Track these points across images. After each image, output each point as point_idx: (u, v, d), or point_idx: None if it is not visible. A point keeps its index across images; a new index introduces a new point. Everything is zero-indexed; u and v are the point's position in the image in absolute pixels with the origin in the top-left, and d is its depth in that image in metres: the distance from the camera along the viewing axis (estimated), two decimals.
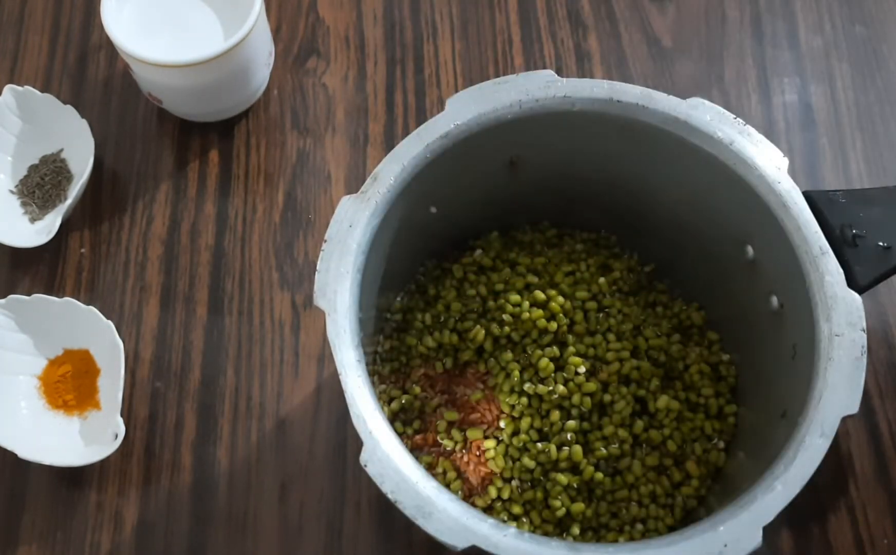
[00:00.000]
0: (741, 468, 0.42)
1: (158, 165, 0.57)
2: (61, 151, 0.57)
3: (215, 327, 0.52)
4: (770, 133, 0.57)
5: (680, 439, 0.43)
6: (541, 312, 0.44)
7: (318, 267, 0.38)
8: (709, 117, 0.41)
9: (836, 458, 0.48)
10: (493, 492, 0.42)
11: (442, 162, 0.41)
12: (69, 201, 0.53)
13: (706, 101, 0.42)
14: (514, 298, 0.44)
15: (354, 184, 0.56)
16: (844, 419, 0.35)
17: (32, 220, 0.55)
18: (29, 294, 0.50)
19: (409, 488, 0.34)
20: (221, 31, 0.54)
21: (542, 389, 0.43)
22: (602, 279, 0.46)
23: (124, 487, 0.48)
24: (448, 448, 0.43)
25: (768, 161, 0.40)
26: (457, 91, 0.42)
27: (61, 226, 0.53)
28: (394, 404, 0.44)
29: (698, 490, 0.43)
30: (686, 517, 0.43)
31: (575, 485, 0.42)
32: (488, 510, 0.42)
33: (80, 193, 0.54)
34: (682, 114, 0.41)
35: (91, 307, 0.49)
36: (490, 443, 0.43)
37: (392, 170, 0.40)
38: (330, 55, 0.60)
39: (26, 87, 0.56)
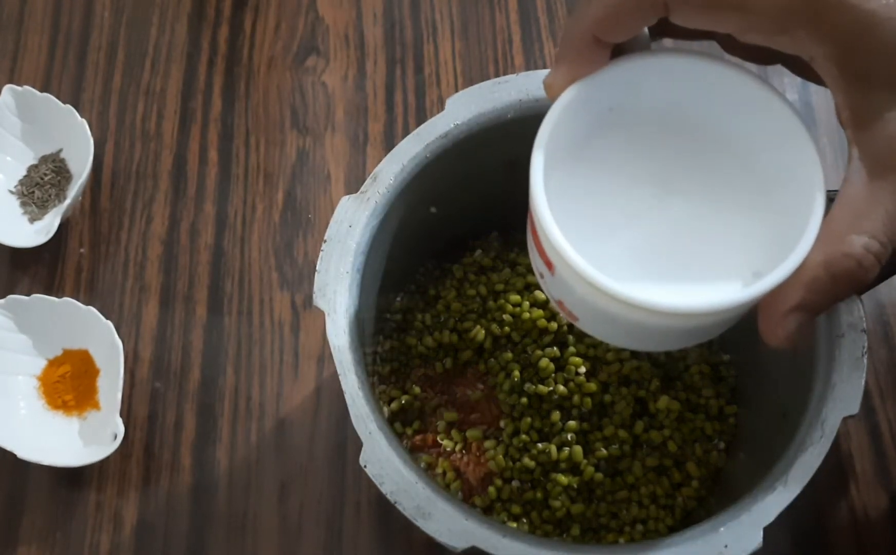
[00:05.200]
0: (741, 469, 0.42)
1: (157, 165, 0.57)
2: (60, 151, 0.57)
3: (215, 327, 0.52)
4: None
5: (680, 439, 0.43)
6: (541, 312, 0.44)
7: (317, 267, 0.38)
8: None
9: (836, 458, 0.48)
10: (492, 492, 0.42)
11: (442, 162, 0.41)
12: (68, 201, 0.53)
13: None
14: (514, 298, 0.44)
15: (354, 184, 0.56)
16: (845, 420, 0.35)
17: (31, 220, 0.55)
18: (28, 294, 0.50)
19: (409, 489, 0.34)
20: (742, 261, 0.29)
21: (542, 389, 0.43)
22: None
23: (124, 487, 0.48)
24: (448, 449, 0.43)
25: None
26: (457, 91, 0.42)
27: (60, 226, 0.53)
28: (394, 405, 0.44)
29: (699, 491, 0.43)
30: (686, 518, 0.42)
31: (575, 485, 0.42)
32: (488, 511, 0.42)
33: (80, 193, 0.53)
34: None
35: (90, 307, 0.49)
36: (490, 443, 0.43)
37: (392, 170, 0.40)
38: (329, 54, 0.60)
39: (25, 87, 0.56)
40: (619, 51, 0.30)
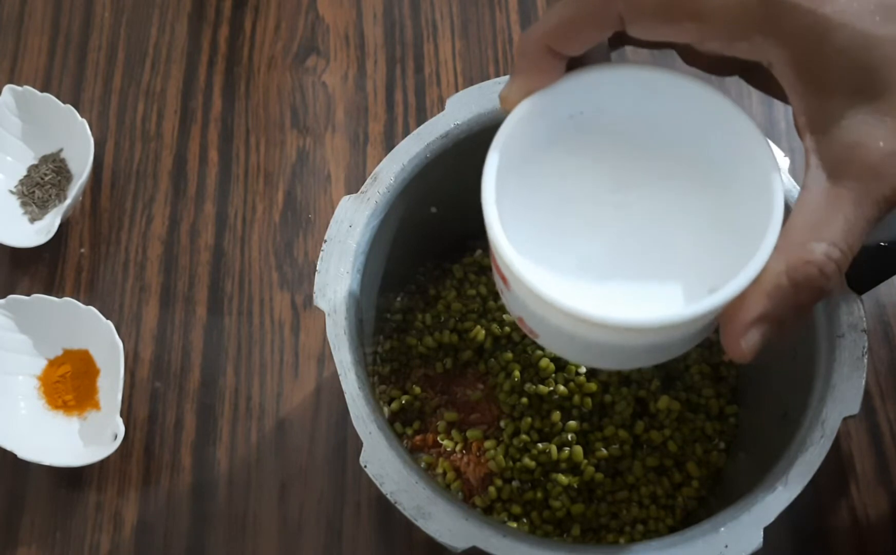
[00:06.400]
0: (742, 469, 0.42)
1: (158, 165, 0.57)
2: (61, 150, 0.57)
3: (215, 328, 0.52)
4: (771, 133, 0.57)
5: (680, 439, 0.43)
6: None
7: (317, 267, 0.38)
8: None
9: (836, 459, 0.48)
10: (493, 492, 0.42)
11: (442, 162, 0.41)
12: (69, 201, 0.53)
13: None
14: None
15: (354, 184, 0.56)
16: (845, 420, 0.35)
17: (32, 220, 0.55)
18: (28, 294, 0.50)
19: (409, 489, 0.34)
20: (698, 269, 0.28)
21: (542, 389, 0.43)
22: None
23: (124, 487, 0.48)
24: (448, 449, 0.43)
25: None
26: (457, 90, 0.42)
27: (61, 226, 0.53)
28: (394, 405, 0.44)
29: (699, 491, 0.43)
30: (687, 518, 0.42)
31: (575, 485, 0.42)
32: (488, 511, 0.42)
33: (80, 193, 0.53)
34: None
35: (90, 307, 0.49)
36: (490, 443, 0.43)
37: (392, 170, 0.40)
38: (330, 54, 0.60)
39: (26, 87, 0.56)
40: (577, 62, 0.29)
